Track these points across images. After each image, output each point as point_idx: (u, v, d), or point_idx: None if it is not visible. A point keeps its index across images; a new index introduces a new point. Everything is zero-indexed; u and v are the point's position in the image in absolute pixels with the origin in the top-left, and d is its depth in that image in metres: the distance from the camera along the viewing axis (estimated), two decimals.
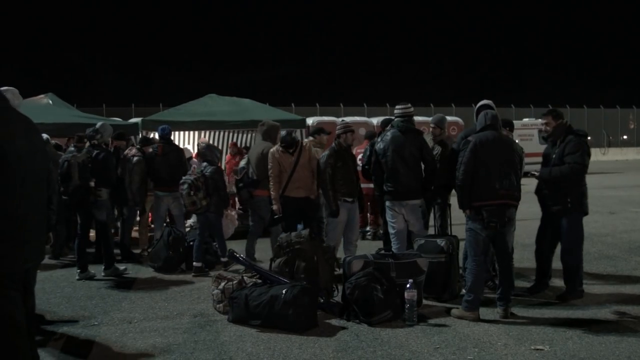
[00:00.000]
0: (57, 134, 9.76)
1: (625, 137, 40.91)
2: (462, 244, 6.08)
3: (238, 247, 8.17)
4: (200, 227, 7.78)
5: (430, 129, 7.89)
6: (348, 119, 17.31)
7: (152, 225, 9.50)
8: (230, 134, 13.54)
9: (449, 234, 6.99)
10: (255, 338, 4.96)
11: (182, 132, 12.76)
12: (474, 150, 5.36)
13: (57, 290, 6.76)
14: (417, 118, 7.87)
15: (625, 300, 5.89)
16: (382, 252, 6.11)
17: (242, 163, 8.45)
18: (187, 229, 9.29)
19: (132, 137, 10.42)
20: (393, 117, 6.89)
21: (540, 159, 6.37)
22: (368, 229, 9.86)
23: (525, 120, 25.86)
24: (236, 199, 9.53)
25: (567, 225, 5.97)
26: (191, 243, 7.95)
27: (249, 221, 8.37)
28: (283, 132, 7.48)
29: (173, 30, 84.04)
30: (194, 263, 7.61)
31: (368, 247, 8.03)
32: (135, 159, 8.54)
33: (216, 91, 12.89)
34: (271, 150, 7.44)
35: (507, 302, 5.40)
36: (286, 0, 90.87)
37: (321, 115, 25.40)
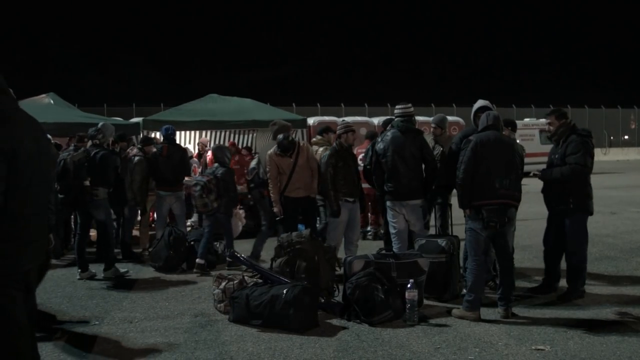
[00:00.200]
0: (58, 133, 9.78)
1: (626, 137, 40.86)
2: (462, 244, 6.08)
3: (245, 246, 8.20)
4: (209, 227, 7.84)
5: (431, 129, 7.89)
6: (349, 118, 17.29)
7: (153, 225, 9.52)
8: (231, 134, 13.55)
9: (450, 234, 6.99)
10: (256, 338, 4.96)
11: (183, 132, 12.77)
12: (474, 149, 5.36)
13: (58, 289, 6.77)
14: (418, 118, 7.89)
15: (627, 301, 5.89)
16: (383, 252, 6.12)
17: (253, 163, 8.47)
18: (188, 229, 9.30)
19: (134, 137, 10.44)
20: (394, 117, 6.89)
21: (541, 159, 6.37)
22: (369, 229, 9.87)
23: (527, 120, 25.85)
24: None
25: (570, 226, 5.97)
26: (192, 243, 7.97)
27: (260, 221, 8.44)
28: (280, 136, 7.48)
29: (174, 30, 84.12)
30: (197, 260, 7.65)
31: (369, 247, 8.04)
32: (136, 158, 8.57)
33: (217, 91, 12.92)
34: (269, 152, 7.47)
35: (508, 302, 5.40)
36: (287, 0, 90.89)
37: (322, 115, 25.37)
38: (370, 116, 24.30)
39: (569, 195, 5.92)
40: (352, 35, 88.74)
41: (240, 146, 12.81)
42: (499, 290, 5.47)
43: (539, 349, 4.59)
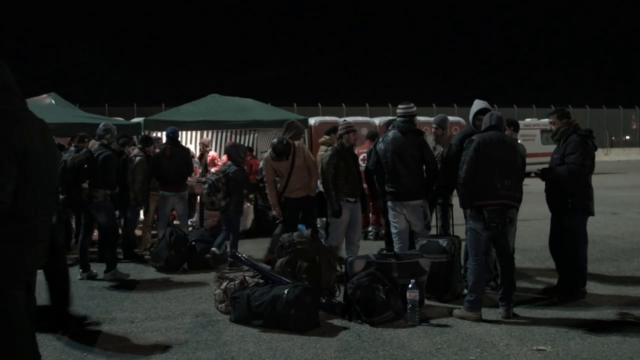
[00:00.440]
0: (59, 133, 9.77)
1: (627, 137, 40.84)
2: (463, 244, 6.08)
3: (246, 246, 8.21)
4: (224, 224, 8.13)
5: (433, 129, 7.88)
6: (350, 119, 17.26)
7: (154, 225, 9.53)
8: (232, 134, 13.55)
9: (451, 234, 6.99)
10: (257, 338, 4.96)
11: (184, 132, 12.78)
12: (477, 149, 5.37)
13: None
14: (419, 118, 7.87)
15: (628, 301, 5.88)
16: (384, 252, 6.11)
17: (262, 164, 8.49)
18: (189, 229, 9.31)
19: (135, 137, 10.44)
20: (396, 118, 6.88)
21: (542, 159, 6.37)
22: (370, 229, 9.86)
23: (528, 120, 25.82)
24: None
25: (569, 226, 5.97)
26: (193, 243, 7.97)
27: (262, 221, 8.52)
28: (274, 140, 7.50)
29: (175, 30, 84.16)
30: (213, 248, 7.83)
31: (370, 247, 8.04)
32: (137, 159, 8.59)
33: (218, 91, 12.91)
34: (265, 156, 7.49)
35: (509, 303, 5.40)
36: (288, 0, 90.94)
37: (323, 115, 25.35)
38: (371, 116, 24.26)
39: (568, 196, 5.92)
40: (353, 35, 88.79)
41: None
42: (500, 290, 5.47)
43: (540, 349, 4.59)
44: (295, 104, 31.96)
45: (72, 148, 7.88)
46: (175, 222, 9.72)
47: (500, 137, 5.49)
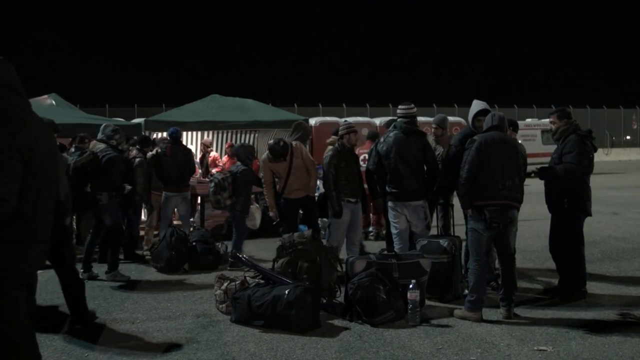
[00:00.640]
0: (60, 134, 9.77)
1: (628, 137, 40.85)
2: (464, 245, 6.08)
3: (247, 247, 8.21)
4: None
5: (432, 130, 7.88)
6: (351, 119, 17.28)
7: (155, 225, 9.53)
8: (233, 134, 13.55)
9: (452, 234, 6.99)
10: (258, 338, 4.97)
11: (185, 133, 12.78)
12: (478, 149, 5.37)
13: (60, 290, 6.76)
14: (419, 118, 7.87)
15: (629, 301, 5.88)
16: (385, 252, 6.11)
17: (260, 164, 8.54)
18: (191, 229, 9.31)
19: (135, 138, 10.44)
20: (396, 118, 6.88)
21: (542, 160, 6.38)
22: (371, 229, 9.86)
23: (528, 120, 25.84)
24: None
25: (565, 226, 5.99)
26: (194, 243, 7.97)
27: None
28: (271, 142, 7.52)
29: (176, 30, 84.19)
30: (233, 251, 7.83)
31: (371, 248, 8.05)
32: (137, 160, 8.58)
33: (219, 91, 12.91)
34: (262, 157, 7.50)
35: (509, 303, 5.40)
36: (289, 0, 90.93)
37: (324, 115, 25.38)
38: (372, 116, 24.29)
39: (565, 195, 5.93)
40: (354, 35, 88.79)
41: None
42: (500, 290, 5.47)
43: (541, 350, 4.59)
44: (295, 104, 31.99)
45: (72, 149, 7.89)
46: (175, 222, 9.72)
47: (502, 138, 5.48)
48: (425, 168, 6.55)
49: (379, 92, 52.68)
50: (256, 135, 13.47)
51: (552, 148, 6.52)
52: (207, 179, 11.37)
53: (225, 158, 12.54)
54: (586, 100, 39.04)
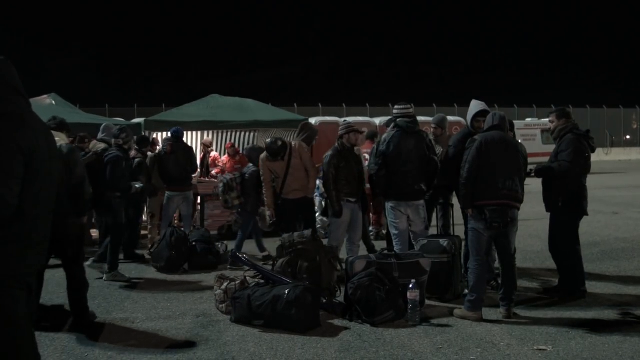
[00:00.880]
0: None
1: (628, 137, 40.85)
2: (464, 244, 6.08)
3: (248, 247, 8.20)
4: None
5: (432, 129, 7.88)
6: (350, 119, 17.28)
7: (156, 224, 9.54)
8: (233, 134, 13.55)
9: (452, 234, 6.99)
10: (258, 338, 4.97)
11: (185, 133, 12.76)
12: (479, 149, 5.37)
13: (60, 290, 6.75)
14: (419, 118, 7.86)
15: (629, 301, 5.88)
16: (385, 252, 6.12)
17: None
18: (190, 229, 9.31)
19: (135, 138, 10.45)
20: (395, 118, 6.86)
21: (542, 159, 6.39)
22: (371, 229, 9.85)
23: (528, 120, 25.86)
24: None
25: (559, 225, 6.02)
26: (194, 243, 7.97)
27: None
28: (268, 141, 7.53)
29: (176, 31, 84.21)
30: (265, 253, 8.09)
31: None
32: (136, 160, 8.57)
33: (219, 91, 12.91)
34: (261, 156, 7.51)
35: (509, 302, 5.40)
36: (289, 0, 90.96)
37: (324, 115, 25.38)
38: (371, 116, 24.30)
39: (560, 195, 5.94)
40: (353, 35, 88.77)
41: (242, 147, 12.82)
42: (500, 290, 5.47)
43: (541, 349, 4.59)
44: (295, 104, 32.00)
45: None
46: (176, 222, 9.72)
47: (502, 137, 5.49)
48: (428, 167, 6.54)
49: (379, 92, 52.75)
50: (256, 135, 13.47)
51: (552, 148, 6.53)
52: (207, 179, 11.39)
53: (225, 158, 12.53)
54: (586, 100, 39.10)
